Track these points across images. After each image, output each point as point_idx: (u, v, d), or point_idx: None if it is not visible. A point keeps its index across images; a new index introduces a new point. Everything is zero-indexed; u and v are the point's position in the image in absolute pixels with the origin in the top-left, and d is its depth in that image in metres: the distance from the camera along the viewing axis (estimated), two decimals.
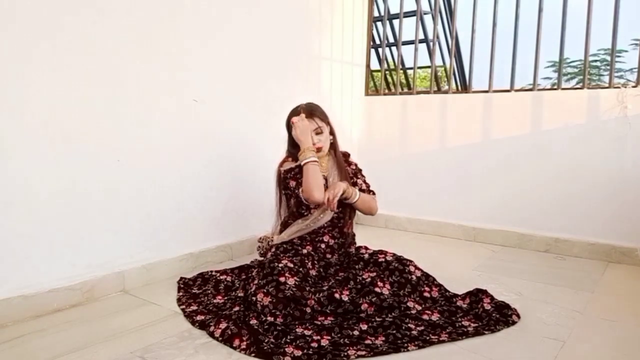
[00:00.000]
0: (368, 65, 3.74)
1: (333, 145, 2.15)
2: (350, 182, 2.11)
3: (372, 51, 3.96)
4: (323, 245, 2.06)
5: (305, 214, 2.08)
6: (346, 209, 2.11)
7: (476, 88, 3.23)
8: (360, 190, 2.12)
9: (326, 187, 2.03)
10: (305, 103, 2.13)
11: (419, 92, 3.48)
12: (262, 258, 2.10)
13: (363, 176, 2.23)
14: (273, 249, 2.02)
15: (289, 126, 2.10)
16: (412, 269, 1.92)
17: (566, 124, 2.81)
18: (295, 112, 2.10)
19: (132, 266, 2.12)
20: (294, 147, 2.11)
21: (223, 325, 1.62)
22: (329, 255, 2.06)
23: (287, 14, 2.94)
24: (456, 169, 3.23)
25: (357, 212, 2.17)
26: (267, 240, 2.12)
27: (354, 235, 2.21)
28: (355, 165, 2.24)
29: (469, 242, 3.11)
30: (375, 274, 1.88)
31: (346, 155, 2.24)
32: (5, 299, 1.71)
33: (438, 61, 5.41)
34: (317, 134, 2.07)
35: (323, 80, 3.28)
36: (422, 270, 1.95)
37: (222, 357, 1.48)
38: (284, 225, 2.14)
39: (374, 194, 2.20)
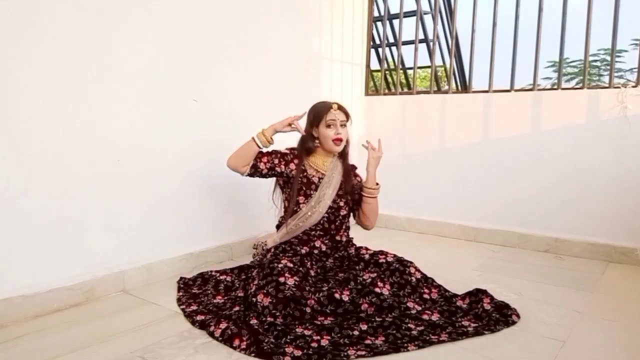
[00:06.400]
0: (368, 65, 3.74)
1: (343, 153, 2.13)
2: (352, 195, 2.12)
3: (372, 51, 3.96)
4: (316, 251, 2.06)
5: (295, 209, 2.06)
6: (343, 214, 2.11)
7: (476, 88, 3.23)
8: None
9: (316, 186, 2.05)
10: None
11: (419, 92, 3.48)
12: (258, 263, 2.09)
13: None
14: (272, 250, 2.02)
15: (315, 118, 2.07)
16: (412, 270, 1.92)
17: (566, 124, 2.81)
18: (325, 105, 2.07)
19: (132, 266, 2.12)
20: (309, 143, 2.09)
21: (223, 325, 1.62)
22: (324, 259, 2.06)
23: (287, 13, 2.93)
24: (456, 168, 3.23)
25: (351, 219, 2.19)
26: (262, 246, 2.12)
27: (350, 239, 2.19)
28: (362, 179, 2.21)
29: (469, 242, 3.11)
30: (375, 274, 1.88)
31: (353, 167, 2.22)
32: (5, 299, 1.71)
33: (438, 61, 5.40)
34: (341, 126, 2.07)
35: (323, 80, 3.28)
36: (422, 273, 1.95)
37: (222, 357, 1.48)
38: (278, 228, 2.14)
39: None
